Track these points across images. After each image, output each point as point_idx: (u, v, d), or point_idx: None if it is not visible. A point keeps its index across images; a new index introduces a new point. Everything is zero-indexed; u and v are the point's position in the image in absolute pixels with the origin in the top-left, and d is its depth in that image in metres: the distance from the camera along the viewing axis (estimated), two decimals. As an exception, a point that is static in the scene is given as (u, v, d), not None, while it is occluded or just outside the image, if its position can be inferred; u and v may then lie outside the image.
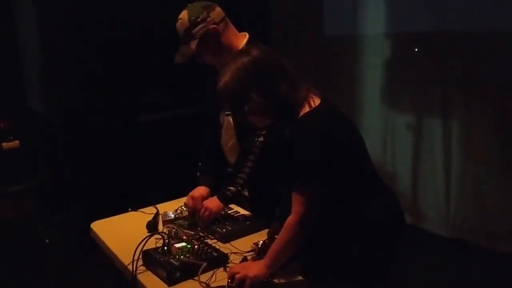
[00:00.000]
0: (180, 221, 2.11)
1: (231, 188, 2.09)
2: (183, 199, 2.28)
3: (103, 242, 2.08)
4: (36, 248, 3.55)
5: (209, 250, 1.81)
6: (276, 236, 1.71)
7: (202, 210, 2.09)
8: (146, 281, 1.73)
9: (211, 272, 1.72)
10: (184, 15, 2.05)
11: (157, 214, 2.17)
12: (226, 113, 2.23)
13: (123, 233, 2.12)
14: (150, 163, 4.18)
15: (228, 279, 1.64)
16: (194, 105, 3.52)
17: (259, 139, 2.06)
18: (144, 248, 1.78)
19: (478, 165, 3.54)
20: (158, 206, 2.27)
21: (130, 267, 1.73)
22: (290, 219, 1.63)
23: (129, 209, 2.34)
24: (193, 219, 2.13)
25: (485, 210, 3.52)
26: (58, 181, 3.97)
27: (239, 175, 2.09)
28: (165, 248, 1.79)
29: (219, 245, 1.93)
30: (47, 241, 3.57)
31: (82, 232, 2.30)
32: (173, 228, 1.95)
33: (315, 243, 1.74)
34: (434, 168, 3.79)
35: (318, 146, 1.61)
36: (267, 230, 1.98)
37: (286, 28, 4.65)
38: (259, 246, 1.81)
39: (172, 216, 2.13)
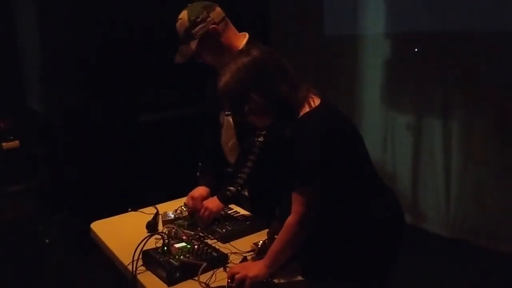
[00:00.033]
0: (180, 221, 2.11)
1: (231, 188, 2.09)
2: (183, 199, 2.28)
3: (103, 242, 2.08)
4: (36, 248, 3.55)
5: (209, 250, 1.81)
6: (276, 236, 1.71)
7: (202, 210, 2.09)
8: (146, 281, 1.73)
9: (211, 272, 1.72)
10: (184, 15, 2.05)
11: (157, 214, 2.17)
12: (226, 113, 2.23)
13: (123, 233, 2.12)
14: (150, 163, 4.18)
15: (228, 279, 1.64)
16: (194, 105, 3.52)
17: (259, 139, 2.06)
18: (144, 248, 1.78)
19: (478, 165, 3.54)
20: (158, 206, 2.27)
21: (130, 267, 1.73)
22: (290, 219, 1.63)
23: (129, 209, 2.34)
24: (193, 219, 2.13)
25: (485, 210, 3.52)
26: (58, 181, 3.97)
27: (239, 175, 2.09)
28: (165, 248, 1.79)
29: (219, 245, 1.93)
30: (47, 241, 3.57)
31: (82, 232, 2.30)
32: (173, 228, 1.95)
33: (315, 243, 1.74)
34: (434, 168, 3.79)
35: (318, 146, 1.61)
36: (267, 230, 1.98)
37: (286, 28, 4.65)
38: (259, 246, 1.81)
39: (172, 216, 2.13)
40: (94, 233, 2.18)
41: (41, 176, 3.98)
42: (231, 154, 2.30)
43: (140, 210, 2.32)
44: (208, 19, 2.04)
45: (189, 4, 2.09)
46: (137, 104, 4.15)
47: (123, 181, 3.97)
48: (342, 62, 4.31)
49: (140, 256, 1.76)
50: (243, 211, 2.27)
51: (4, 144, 3.68)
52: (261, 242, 1.83)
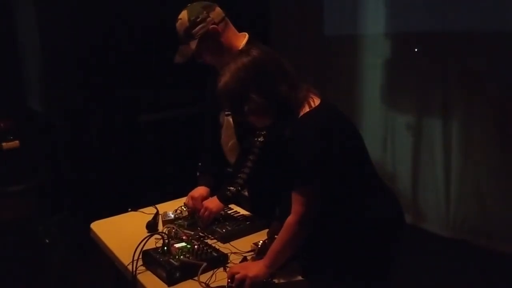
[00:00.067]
0: (180, 221, 2.11)
1: (231, 188, 2.09)
2: (183, 199, 2.28)
3: (103, 242, 2.08)
4: (36, 248, 3.55)
5: (209, 250, 1.81)
6: (276, 236, 1.71)
7: (202, 210, 2.09)
8: (146, 281, 1.73)
9: (211, 272, 1.72)
10: (184, 15, 2.05)
11: (157, 214, 2.17)
12: (226, 113, 2.23)
13: (123, 233, 2.12)
14: (150, 163, 4.18)
15: (228, 279, 1.64)
16: (194, 105, 3.53)
17: (259, 139, 2.06)
18: (144, 248, 1.78)
19: (478, 165, 3.54)
20: (158, 206, 2.27)
21: (130, 267, 1.73)
22: (290, 219, 1.63)
23: (129, 209, 2.34)
24: (193, 219, 2.13)
25: (485, 210, 3.52)
26: (58, 181, 3.97)
27: (239, 175, 2.09)
28: (165, 248, 1.79)
29: (219, 245, 1.93)
30: (47, 241, 3.57)
31: (82, 232, 2.30)
32: (173, 228, 1.95)
33: (315, 243, 1.74)
34: (434, 168, 3.79)
35: (318, 146, 1.61)
36: (267, 230, 1.98)
37: (286, 28, 4.65)
38: (259, 246, 1.81)
39: (172, 216, 2.13)
40: (94, 233, 2.17)
41: (41, 176, 3.98)
42: (231, 154, 2.30)
43: (140, 210, 2.32)
44: (208, 19, 2.04)
45: (189, 4, 2.09)
46: (137, 104, 4.15)
47: (123, 181, 3.97)
48: (342, 62, 4.31)
49: (140, 256, 1.76)
50: (243, 211, 2.26)
51: (4, 144, 3.68)
52: (261, 242, 1.82)
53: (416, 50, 3.83)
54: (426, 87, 3.77)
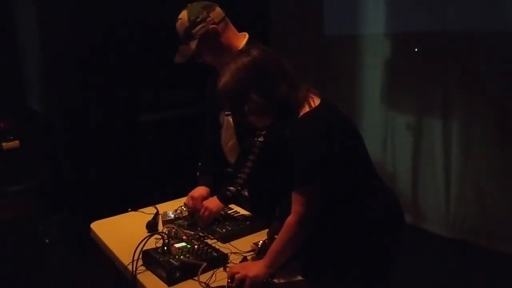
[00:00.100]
0: (180, 221, 2.11)
1: (231, 188, 2.09)
2: (183, 199, 2.28)
3: (103, 242, 2.08)
4: (36, 248, 3.55)
5: (209, 250, 1.81)
6: (276, 236, 1.71)
7: (202, 210, 2.09)
8: (146, 281, 1.73)
9: (211, 272, 1.72)
10: (184, 15, 2.05)
11: (157, 214, 2.17)
12: (226, 113, 2.23)
13: (123, 233, 2.12)
14: (150, 163, 4.18)
15: (228, 279, 1.64)
16: (194, 105, 3.52)
17: (259, 139, 2.06)
18: (144, 248, 1.78)
19: (478, 165, 3.54)
20: (158, 206, 2.27)
21: (130, 267, 1.73)
22: (290, 219, 1.63)
23: (129, 209, 2.34)
24: (193, 219, 2.13)
25: (485, 210, 3.52)
26: (58, 181, 3.97)
27: (239, 175, 2.09)
28: (165, 248, 1.79)
29: (219, 245, 1.93)
30: (47, 241, 3.57)
31: (82, 232, 2.30)
32: (173, 228, 1.95)
33: (315, 243, 1.74)
34: (434, 168, 3.79)
35: (318, 146, 1.61)
36: (267, 230, 1.98)
37: (286, 28, 4.65)
38: (259, 246, 1.81)
39: (172, 216, 2.13)
40: (94, 233, 2.17)
41: (41, 176, 3.98)
42: (231, 154, 2.30)
43: (140, 210, 2.32)
44: (208, 19, 2.04)
45: (189, 4, 2.09)
46: (137, 104, 4.15)
47: (123, 181, 3.97)
48: (342, 62, 4.31)
49: (140, 256, 1.76)
50: (243, 211, 2.26)
51: (4, 144, 3.68)
52: (261, 242, 1.82)
53: (416, 50, 3.83)
54: (426, 87, 3.77)
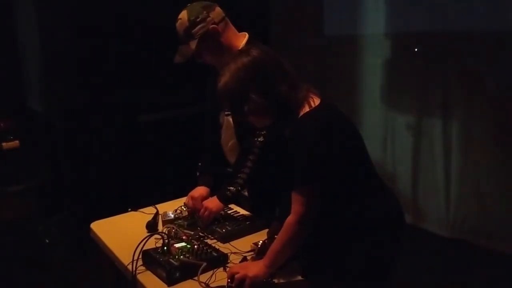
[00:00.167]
0: (179, 221, 2.11)
1: (231, 188, 2.09)
2: (183, 199, 2.28)
3: (103, 242, 2.08)
4: (36, 248, 3.55)
5: (208, 250, 1.81)
6: (276, 236, 1.71)
7: (202, 210, 2.09)
8: (146, 281, 1.73)
9: (210, 272, 1.72)
10: (183, 15, 2.05)
11: (156, 214, 2.17)
12: (226, 113, 2.23)
13: (123, 233, 2.12)
14: (150, 163, 4.18)
15: (227, 279, 1.64)
16: (194, 105, 3.52)
17: (259, 139, 2.06)
18: (144, 248, 1.78)
19: (478, 165, 3.54)
20: (157, 206, 2.27)
21: (130, 267, 1.73)
22: (290, 219, 1.63)
23: (129, 209, 2.34)
24: (193, 219, 2.13)
25: (485, 210, 3.52)
26: (58, 181, 3.97)
27: (239, 175, 2.09)
28: (165, 248, 1.79)
29: (219, 245, 1.93)
30: (47, 241, 3.57)
31: (82, 232, 2.30)
32: (173, 228, 1.95)
33: (315, 243, 1.74)
34: (434, 168, 3.79)
35: (318, 146, 1.61)
36: (267, 230, 1.98)
37: (286, 28, 4.65)
38: (259, 246, 1.81)
39: (172, 216, 2.13)
40: (94, 233, 2.18)
41: (41, 176, 3.98)
42: (231, 154, 2.30)
43: (140, 210, 2.32)
44: (208, 19, 2.04)
45: (189, 4, 2.09)
46: (137, 104, 4.15)
47: (123, 181, 3.97)
48: (342, 62, 4.31)
49: (140, 256, 1.76)
50: (243, 211, 2.27)
51: (4, 144, 3.68)
52: (261, 242, 1.83)
53: (416, 50, 3.83)
54: (426, 87, 3.77)
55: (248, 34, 2.17)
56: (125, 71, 3.97)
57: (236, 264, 1.76)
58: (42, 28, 3.92)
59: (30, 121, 4.04)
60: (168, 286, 1.68)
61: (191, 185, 2.29)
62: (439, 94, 3.69)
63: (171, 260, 1.73)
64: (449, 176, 3.70)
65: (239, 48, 2.02)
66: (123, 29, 3.90)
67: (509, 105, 3.35)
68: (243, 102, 1.65)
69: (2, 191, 3.71)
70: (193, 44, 2.04)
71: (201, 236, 1.99)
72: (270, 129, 1.95)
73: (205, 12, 2.04)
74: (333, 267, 1.75)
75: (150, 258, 1.77)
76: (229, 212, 2.23)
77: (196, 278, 1.67)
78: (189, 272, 1.70)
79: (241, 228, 2.06)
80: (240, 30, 2.18)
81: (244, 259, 1.80)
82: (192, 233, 2.00)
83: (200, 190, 2.24)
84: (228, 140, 2.28)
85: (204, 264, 1.70)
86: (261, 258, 1.69)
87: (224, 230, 2.02)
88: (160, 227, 2.10)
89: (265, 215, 2.14)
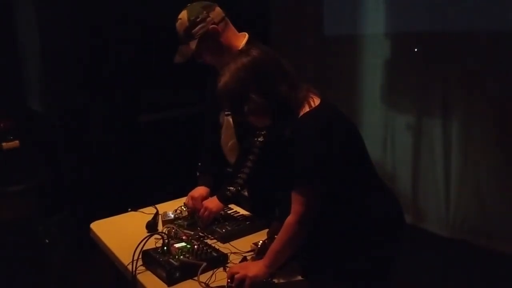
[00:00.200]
0: (179, 221, 2.11)
1: (230, 188, 2.09)
2: (183, 199, 2.28)
3: (103, 242, 2.08)
4: (36, 248, 3.55)
5: (208, 250, 1.81)
6: (275, 236, 1.71)
7: (202, 210, 2.09)
8: (146, 281, 1.73)
9: (210, 272, 1.72)
10: (183, 15, 2.05)
11: (156, 214, 2.17)
12: (226, 113, 2.23)
13: (123, 233, 2.12)
14: (150, 163, 4.17)
15: (227, 279, 1.64)
16: (194, 105, 3.52)
17: (259, 139, 2.06)
18: (144, 248, 1.78)
19: (478, 165, 3.54)
20: (157, 206, 2.27)
21: (130, 267, 1.73)
22: (290, 219, 1.63)
23: (129, 209, 2.34)
24: (193, 219, 2.13)
25: (485, 210, 3.52)
26: (58, 181, 3.97)
27: (239, 175, 2.09)
28: (165, 248, 1.79)
29: (218, 245, 1.93)
30: (47, 241, 3.57)
31: (82, 232, 2.30)
32: (173, 228, 1.95)
33: (315, 243, 1.74)
34: (434, 168, 3.79)
35: (318, 146, 1.61)
36: (267, 230, 1.98)
37: (286, 28, 4.65)
38: (259, 246, 1.81)
39: (172, 216, 2.13)
40: (94, 233, 2.18)
41: (41, 176, 3.98)
42: (231, 154, 2.30)
43: (140, 210, 2.32)
44: (208, 19, 2.04)
45: (189, 4, 2.09)
46: (137, 104, 4.15)
47: (123, 181, 3.97)
48: (342, 62, 4.31)
49: (140, 256, 1.76)
50: (243, 211, 2.27)
51: (4, 144, 3.68)
52: (261, 242, 1.83)
53: (416, 50, 3.82)
54: (426, 87, 3.77)
55: (248, 34, 2.17)
56: (125, 71, 3.97)
57: (236, 264, 1.76)
58: (42, 28, 3.92)
59: (30, 121, 4.03)
60: (168, 286, 1.68)
61: (191, 185, 2.29)
62: (439, 94, 3.69)
63: (171, 260, 1.73)
64: (449, 176, 3.70)
65: (239, 48, 2.02)
66: (123, 29, 3.90)
67: (509, 105, 3.35)
68: (243, 102, 1.65)
69: (2, 191, 3.71)
70: (193, 44, 2.04)
71: (201, 236, 1.99)
72: (270, 129, 1.95)
73: (205, 12, 2.04)
74: (333, 267, 1.75)
75: (150, 258, 1.77)
76: (229, 212, 2.24)
77: (196, 278, 1.67)
78: (189, 272, 1.70)
79: (241, 228, 2.06)
80: (240, 30, 2.18)
81: (244, 259, 1.80)
82: (192, 233, 2.00)
83: (200, 190, 2.24)
84: (228, 140, 2.28)
85: (204, 264, 1.70)
86: (261, 258, 1.69)
87: (224, 230, 2.02)
88: (160, 227, 2.10)
89: (265, 215, 2.13)
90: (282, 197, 1.86)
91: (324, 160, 1.61)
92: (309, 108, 1.66)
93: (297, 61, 2.04)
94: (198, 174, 2.37)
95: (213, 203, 2.11)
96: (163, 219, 2.12)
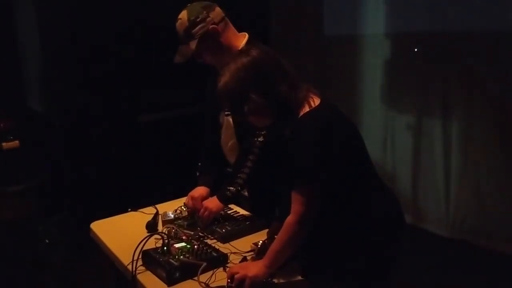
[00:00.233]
0: (179, 221, 2.11)
1: (230, 188, 2.09)
2: (183, 199, 2.28)
3: (103, 242, 2.08)
4: (36, 248, 3.55)
5: (208, 250, 1.81)
6: (275, 236, 1.71)
7: (202, 210, 2.09)
8: (146, 281, 1.73)
9: (210, 272, 1.72)
10: (183, 15, 2.05)
11: (156, 214, 2.17)
12: (226, 113, 2.23)
13: (123, 233, 2.12)
14: (150, 163, 4.18)
15: (227, 279, 1.64)
16: (194, 105, 3.52)
17: (259, 139, 2.06)
18: (144, 248, 1.78)
19: (478, 165, 3.54)
20: (157, 206, 2.27)
21: (130, 267, 1.73)
22: (290, 219, 1.63)
23: (129, 209, 2.34)
24: (193, 219, 2.13)
25: (485, 210, 3.52)
26: (58, 181, 3.97)
27: (239, 175, 2.09)
28: (165, 248, 1.79)
29: (218, 245, 1.93)
30: (47, 241, 3.57)
31: (82, 232, 2.30)
32: (173, 228, 1.95)
33: (315, 243, 1.74)
34: (434, 168, 3.79)
35: (318, 146, 1.61)
36: (266, 230, 1.98)
37: (286, 28, 4.65)
38: (259, 246, 1.81)
39: (172, 216, 2.13)
40: (94, 233, 2.17)
41: (41, 176, 3.98)
42: (231, 154, 2.30)
43: (140, 210, 2.32)
44: (208, 19, 2.04)
45: (189, 4, 2.09)
46: (137, 104, 4.15)
47: (123, 181, 3.97)
48: (342, 62, 4.31)
49: (140, 256, 1.76)
50: (243, 211, 2.26)
51: (4, 144, 3.68)
52: (260, 242, 1.82)
53: (416, 50, 3.82)
54: (426, 87, 3.77)
55: (248, 34, 2.17)
56: (125, 71, 3.97)
57: (236, 264, 1.76)
58: (42, 28, 3.92)
59: (30, 121, 4.04)
60: (168, 286, 1.68)
61: (191, 185, 2.29)
62: (439, 94, 3.69)
63: (171, 260, 1.73)
64: (449, 176, 3.70)
65: (239, 48, 2.02)
66: (123, 29, 3.90)
67: (509, 105, 3.35)
68: (243, 102, 1.65)
69: (2, 191, 3.71)
70: (193, 44, 2.04)
71: (201, 236, 1.99)
72: (270, 129, 1.95)
73: (205, 12, 2.04)
74: (333, 267, 1.75)
75: (150, 258, 1.77)
76: (229, 212, 2.23)
77: (196, 278, 1.67)
78: (189, 272, 1.70)
79: (241, 228, 2.06)
80: (240, 30, 2.18)
81: (244, 259, 1.80)
82: (192, 233, 2.00)
83: (200, 190, 2.24)
84: (228, 140, 2.28)
85: (204, 264, 1.69)
86: (261, 258, 1.69)
87: (224, 230, 2.02)
88: (160, 227, 2.10)
89: (265, 215, 2.13)
90: (282, 197, 1.86)
91: (324, 160, 1.61)
92: (309, 108, 1.66)
93: (297, 61, 2.04)
94: (198, 174, 2.36)
95: (213, 203, 2.11)
96: (163, 219, 2.12)
